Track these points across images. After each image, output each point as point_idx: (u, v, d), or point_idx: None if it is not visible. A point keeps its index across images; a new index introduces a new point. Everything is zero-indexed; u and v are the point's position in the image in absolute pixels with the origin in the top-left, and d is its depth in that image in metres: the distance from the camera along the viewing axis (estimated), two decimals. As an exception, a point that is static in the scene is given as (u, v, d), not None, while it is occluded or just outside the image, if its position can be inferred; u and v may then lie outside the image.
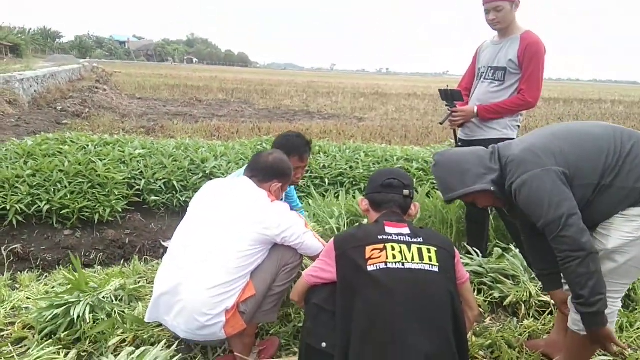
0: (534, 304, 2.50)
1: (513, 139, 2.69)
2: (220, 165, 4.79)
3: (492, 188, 1.73)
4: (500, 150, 1.79)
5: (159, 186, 4.39)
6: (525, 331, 2.31)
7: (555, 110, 18.39)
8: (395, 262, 1.56)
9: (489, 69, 2.85)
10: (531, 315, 2.47)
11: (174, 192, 4.41)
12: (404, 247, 1.60)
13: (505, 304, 2.51)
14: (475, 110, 2.81)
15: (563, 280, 1.88)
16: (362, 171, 4.85)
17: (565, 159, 1.63)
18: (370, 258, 1.58)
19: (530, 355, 2.15)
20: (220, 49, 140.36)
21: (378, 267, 1.56)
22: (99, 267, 3.25)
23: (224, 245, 1.84)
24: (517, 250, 2.80)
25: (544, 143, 1.69)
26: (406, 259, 1.57)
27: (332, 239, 1.75)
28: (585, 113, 18.10)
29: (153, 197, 4.33)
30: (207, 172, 4.66)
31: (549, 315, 2.44)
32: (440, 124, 3.11)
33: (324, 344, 1.62)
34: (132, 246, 3.87)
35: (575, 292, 1.59)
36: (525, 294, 2.49)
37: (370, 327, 1.51)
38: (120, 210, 4.04)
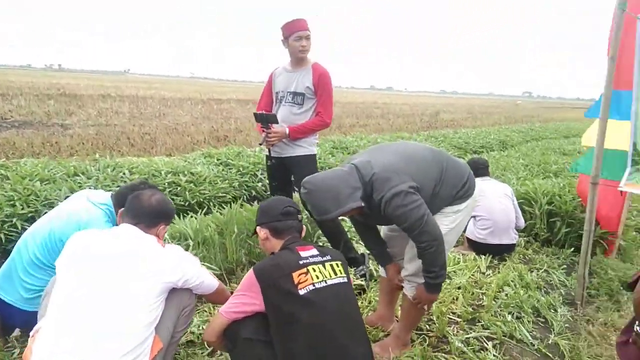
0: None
1: (315, 154, 3.19)
2: None
3: (362, 204, 2.11)
4: (361, 169, 2.13)
5: None
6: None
7: (248, 110, 20.46)
8: (320, 282, 1.77)
9: (288, 93, 3.24)
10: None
11: None
12: (320, 266, 1.81)
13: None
14: (287, 131, 3.16)
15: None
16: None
17: (414, 177, 2.13)
18: (299, 283, 1.73)
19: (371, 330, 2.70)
20: None
21: (308, 290, 1.73)
22: None
23: (126, 307, 1.64)
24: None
25: (398, 164, 2.15)
26: (325, 277, 1.80)
27: (251, 272, 1.80)
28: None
29: None
30: None
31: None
32: (260, 145, 3.32)
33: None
34: None
35: (430, 269, 2.13)
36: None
37: (314, 344, 1.68)
38: None
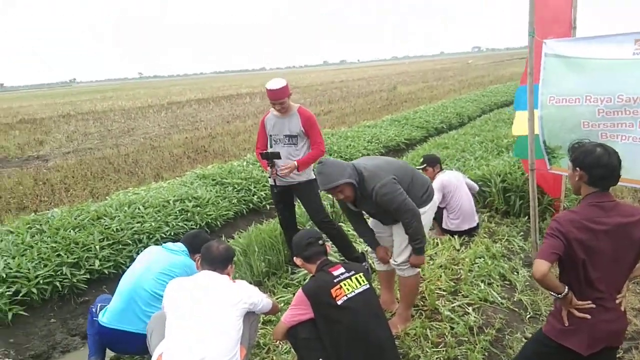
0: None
1: (315, 178, 3.99)
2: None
3: (355, 183, 2.89)
4: (356, 166, 2.97)
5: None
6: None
7: (211, 111, 20.88)
8: (351, 292, 2.54)
9: (284, 136, 3.99)
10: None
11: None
12: (349, 280, 2.58)
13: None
14: (296, 164, 3.90)
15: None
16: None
17: (394, 174, 2.94)
18: (336, 296, 2.50)
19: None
20: None
21: (343, 300, 2.50)
22: None
23: (223, 329, 2.39)
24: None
25: (382, 165, 3.02)
26: (354, 288, 2.57)
27: (301, 292, 2.56)
28: (237, 110, 21.12)
29: None
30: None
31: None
32: (269, 176, 4.03)
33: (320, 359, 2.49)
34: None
35: (415, 237, 2.93)
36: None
37: (353, 337, 2.48)
38: None
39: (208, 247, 2.69)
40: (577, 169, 2.11)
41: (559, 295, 2.05)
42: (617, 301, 2.08)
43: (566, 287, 2.04)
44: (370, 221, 3.39)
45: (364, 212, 3.29)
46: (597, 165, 2.04)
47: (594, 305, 2.04)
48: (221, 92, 36.02)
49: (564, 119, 3.48)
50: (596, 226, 1.99)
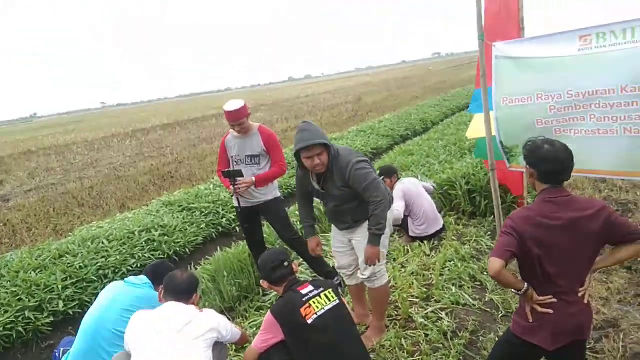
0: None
1: (280, 196, 3.94)
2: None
3: (330, 146, 2.90)
4: (332, 145, 2.97)
5: None
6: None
7: (177, 135, 20.63)
8: (320, 310, 2.50)
9: (246, 156, 3.93)
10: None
11: None
12: (318, 298, 2.54)
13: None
14: (253, 179, 3.85)
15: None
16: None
17: None
18: (306, 315, 2.46)
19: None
20: None
21: (313, 318, 2.46)
22: None
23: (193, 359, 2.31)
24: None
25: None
26: (323, 305, 2.53)
27: (269, 315, 2.51)
28: (203, 133, 20.90)
29: None
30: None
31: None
32: (231, 196, 3.96)
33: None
34: None
35: (379, 221, 2.88)
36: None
37: (327, 355, 2.43)
38: None
39: (170, 277, 2.61)
40: (528, 166, 2.15)
41: (519, 292, 2.07)
42: (580, 294, 2.10)
43: (525, 284, 2.06)
44: (332, 233, 3.36)
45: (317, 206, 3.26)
46: (543, 161, 2.08)
47: (555, 300, 2.06)
48: (187, 115, 35.67)
49: (519, 118, 3.56)
50: (550, 221, 2.02)
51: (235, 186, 3.80)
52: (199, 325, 2.43)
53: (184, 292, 2.55)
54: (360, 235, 3.06)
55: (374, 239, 2.93)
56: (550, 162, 2.07)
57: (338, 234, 3.25)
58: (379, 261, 3.02)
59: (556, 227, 2.02)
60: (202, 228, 5.99)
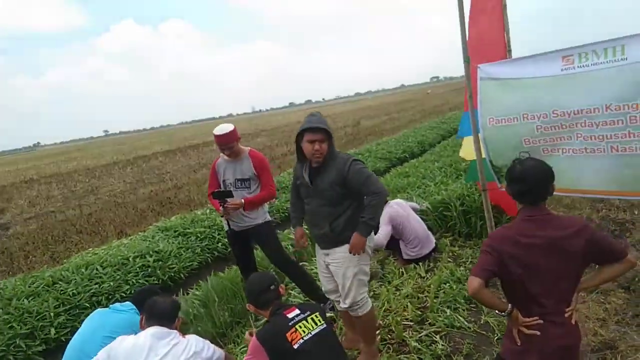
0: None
1: (270, 220, 3.91)
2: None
3: (333, 144, 2.95)
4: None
5: None
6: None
7: (177, 162, 20.73)
8: (307, 335, 2.46)
9: (237, 180, 3.93)
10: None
11: None
12: (304, 322, 2.51)
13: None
14: (243, 201, 3.83)
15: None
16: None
17: None
18: (292, 340, 2.42)
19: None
20: None
21: (300, 343, 2.42)
22: None
23: None
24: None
25: None
26: (310, 329, 2.49)
27: (254, 340, 2.46)
28: (203, 159, 21.00)
29: None
30: None
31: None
32: (222, 216, 3.93)
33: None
34: None
35: (371, 214, 2.88)
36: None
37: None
38: None
39: (152, 303, 2.59)
40: (506, 186, 2.16)
41: (503, 314, 2.04)
42: (567, 314, 2.06)
43: (509, 305, 2.03)
44: (317, 256, 3.31)
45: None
46: (514, 181, 2.09)
47: (541, 321, 2.02)
48: (188, 142, 35.96)
49: (506, 139, 3.57)
50: (529, 240, 2.00)
51: (225, 206, 3.77)
52: (184, 350, 2.40)
53: (167, 317, 2.54)
54: (338, 260, 3.03)
55: (364, 228, 2.92)
56: (519, 182, 2.07)
57: (320, 257, 3.23)
58: (363, 252, 3.00)
59: (535, 246, 1.99)
60: (197, 253, 5.96)
